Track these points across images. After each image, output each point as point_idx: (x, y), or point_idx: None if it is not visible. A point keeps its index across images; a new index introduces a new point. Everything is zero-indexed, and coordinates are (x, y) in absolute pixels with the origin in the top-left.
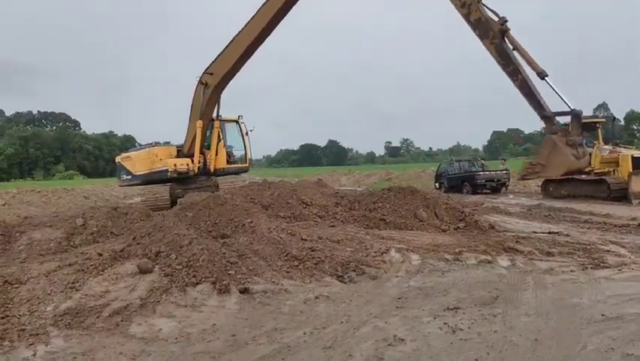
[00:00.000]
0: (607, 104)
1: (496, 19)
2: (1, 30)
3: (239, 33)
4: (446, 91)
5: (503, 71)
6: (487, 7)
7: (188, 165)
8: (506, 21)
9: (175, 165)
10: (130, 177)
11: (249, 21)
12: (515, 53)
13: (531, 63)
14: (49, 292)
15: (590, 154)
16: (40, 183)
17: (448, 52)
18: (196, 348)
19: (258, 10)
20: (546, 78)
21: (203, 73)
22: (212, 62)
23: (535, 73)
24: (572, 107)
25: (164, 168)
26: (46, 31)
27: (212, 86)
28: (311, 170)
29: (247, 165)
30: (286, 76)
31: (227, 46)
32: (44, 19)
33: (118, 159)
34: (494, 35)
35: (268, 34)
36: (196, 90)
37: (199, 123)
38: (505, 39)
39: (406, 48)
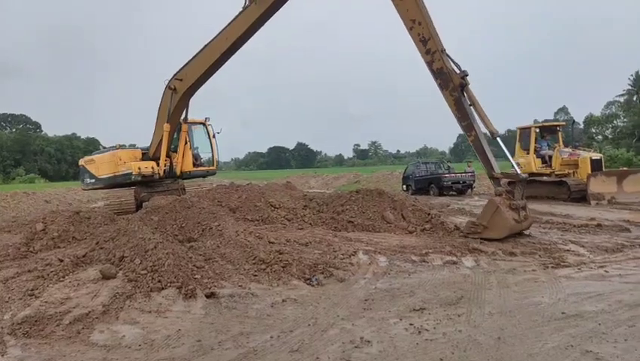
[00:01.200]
0: (567, 108)
1: (458, 71)
2: None
3: (213, 40)
4: (414, 94)
5: (458, 124)
6: (451, 58)
7: (153, 168)
8: (467, 75)
9: (139, 168)
10: (93, 180)
11: (225, 28)
12: (472, 108)
13: (485, 121)
14: (6, 300)
15: (551, 157)
16: None
17: (416, 56)
18: (160, 355)
19: (235, 18)
20: (497, 138)
21: (172, 78)
22: (182, 67)
23: (488, 131)
24: (519, 172)
25: (128, 172)
26: (5, 29)
27: (181, 92)
28: (280, 172)
29: (214, 167)
30: (255, 77)
31: (199, 52)
32: (4, 14)
33: (81, 162)
34: (454, 88)
35: (243, 43)
36: (164, 95)
37: (166, 127)
38: (464, 93)
39: (375, 52)
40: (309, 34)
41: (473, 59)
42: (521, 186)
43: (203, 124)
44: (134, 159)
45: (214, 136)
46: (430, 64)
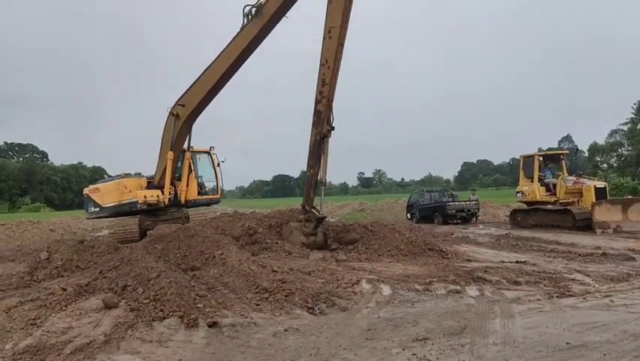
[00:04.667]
0: (571, 136)
1: (329, 125)
2: None
3: (211, 65)
4: (417, 122)
5: (307, 160)
6: (332, 112)
7: (158, 196)
8: (333, 130)
9: (145, 196)
10: (98, 209)
11: (221, 53)
12: (322, 155)
13: (323, 170)
14: (8, 330)
15: (555, 185)
16: (4, 215)
17: (420, 85)
18: None
19: (236, 36)
20: (322, 186)
21: (175, 104)
22: (184, 93)
23: (321, 177)
24: (322, 213)
25: (134, 200)
26: (14, 59)
27: (184, 117)
28: (284, 200)
29: (219, 196)
30: (259, 106)
31: (199, 77)
32: (13, 46)
33: (86, 191)
34: (319, 132)
35: (239, 66)
36: (167, 122)
37: (170, 155)
38: (323, 141)
39: (378, 80)
40: (313, 63)
41: (479, 86)
42: (318, 222)
43: (208, 153)
44: (139, 187)
45: (218, 165)
46: (317, 102)
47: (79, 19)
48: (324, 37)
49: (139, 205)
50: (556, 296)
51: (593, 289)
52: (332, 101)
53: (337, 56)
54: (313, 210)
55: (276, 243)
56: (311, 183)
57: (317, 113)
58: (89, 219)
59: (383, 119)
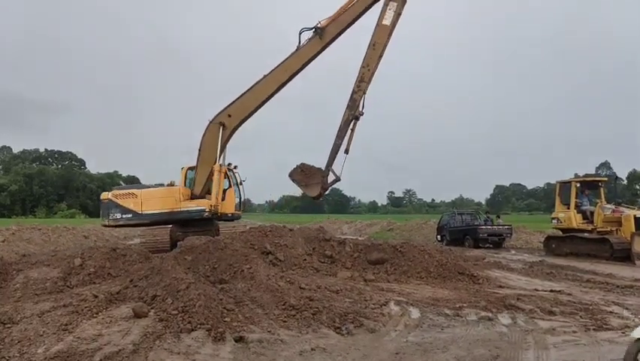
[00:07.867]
0: (609, 163)
1: (360, 110)
2: (16, 66)
3: (269, 73)
4: (450, 143)
5: (337, 133)
6: (364, 101)
7: (212, 206)
8: (362, 115)
9: (211, 205)
10: (130, 215)
11: (284, 60)
12: (351, 132)
13: (349, 142)
14: (41, 334)
15: (592, 213)
16: (41, 220)
17: (451, 104)
18: None
19: (288, 58)
20: (345, 153)
21: (219, 115)
22: (231, 103)
23: (345, 147)
24: (339, 176)
25: (201, 208)
26: (59, 69)
27: (231, 127)
28: (313, 217)
29: (240, 212)
30: (289, 119)
31: (249, 89)
32: (58, 56)
33: (108, 195)
34: (351, 115)
35: (297, 74)
36: (208, 132)
37: (216, 167)
38: (353, 122)
39: (411, 98)
40: (344, 81)
41: (511, 107)
42: (332, 182)
43: (231, 170)
44: (187, 196)
45: (241, 183)
46: (354, 92)
47: (119, 29)
48: (368, 47)
49: (205, 213)
50: (593, 329)
51: (632, 323)
52: (365, 93)
53: (376, 64)
54: (332, 171)
55: (308, 255)
56: (336, 149)
57: (352, 100)
58: (107, 226)
59: (414, 138)
